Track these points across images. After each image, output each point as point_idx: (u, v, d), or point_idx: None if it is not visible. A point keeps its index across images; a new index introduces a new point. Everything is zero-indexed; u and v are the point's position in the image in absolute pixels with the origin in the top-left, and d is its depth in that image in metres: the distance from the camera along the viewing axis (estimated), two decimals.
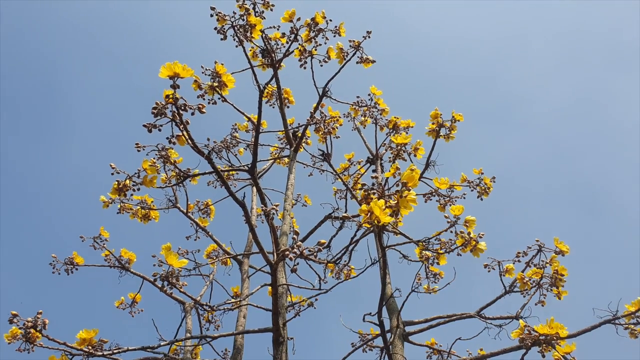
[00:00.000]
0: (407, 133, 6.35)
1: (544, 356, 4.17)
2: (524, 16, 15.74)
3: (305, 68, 5.30)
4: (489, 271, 5.13)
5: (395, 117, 6.42)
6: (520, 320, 4.13)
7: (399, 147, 5.75)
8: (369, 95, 6.15)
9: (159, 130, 3.89)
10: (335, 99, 5.69)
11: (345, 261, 6.62)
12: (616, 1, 14.84)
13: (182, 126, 3.67)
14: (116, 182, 4.98)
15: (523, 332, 4.12)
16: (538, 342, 4.14)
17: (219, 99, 4.88)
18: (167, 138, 4.04)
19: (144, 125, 3.83)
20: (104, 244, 5.93)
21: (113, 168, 4.92)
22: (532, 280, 5.09)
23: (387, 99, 6.44)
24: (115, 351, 4.22)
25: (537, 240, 5.07)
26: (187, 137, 3.67)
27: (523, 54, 16.16)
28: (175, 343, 5.35)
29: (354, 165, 6.93)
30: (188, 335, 5.49)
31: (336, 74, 5.43)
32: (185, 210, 6.07)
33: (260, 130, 6.15)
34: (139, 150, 4.68)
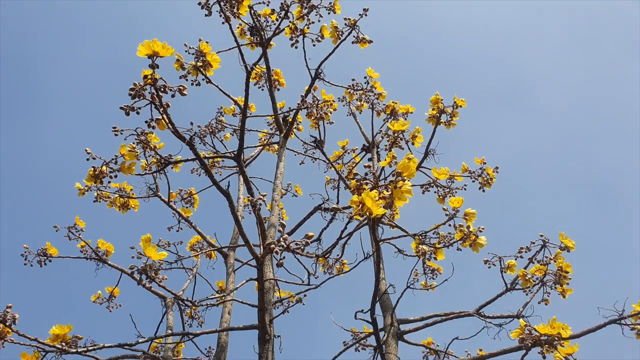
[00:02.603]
0: (405, 119, 6.35)
1: (544, 357, 4.22)
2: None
3: (296, 48, 5.28)
4: (489, 267, 5.17)
5: (393, 102, 6.41)
6: (521, 320, 4.17)
7: (396, 135, 5.76)
8: (365, 78, 6.14)
9: (138, 113, 3.87)
10: (328, 82, 5.68)
11: (337, 255, 6.66)
12: None
13: (161, 109, 3.66)
14: (92, 169, 4.96)
15: (523, 332, 4.17)
16: (539, 342, 4.19)
17: (203, 80, 4.87)
18: (146, 122, 4.03)
19: (121, 108, 3.80)
20: (79, 235, 5.93)
21: (89, 153, 4.89)
22: (535, 277, 5.13)
23: (387, 83, 6.42)
24: (90, 348, 4.24)
25: (541, 235, 5.11)
26: (167, 120, 3.66)
27: (535, 37, 16.13)
28: (155, 340, 5.38)
29: (348, 153, 6.94)
30: (169, 332, 5.51)
31: (330, 54, 5.42)
32: (166, 200, 6.07)
33: (248, 114, 6.13)
34: (116, 135, 4.67)
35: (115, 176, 4.92)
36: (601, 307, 4.73)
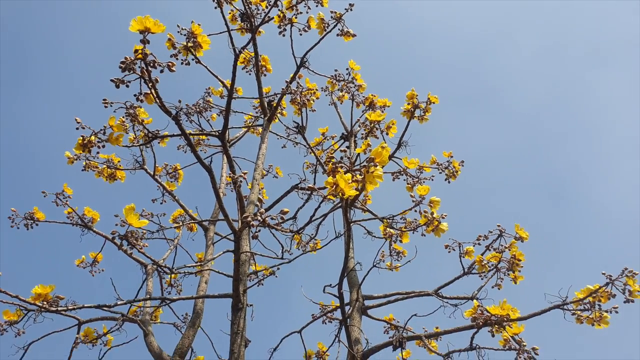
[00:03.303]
0: (382, 112, 6.35)
1: (493, 336, 4.31)
2: (512, 7, 15.79)
3: (284, 36, 5.21)
4: (449, 252, 5.23)
5: (372, 95, 6.40)
6: (475, 301, 4.24)
7: (372, 125, 5.75)
8: (347, 69, 6.11)
9: (127, 86, 3.79)
10: (313, 71, 5.63)
11: (312, 234, 6.66)
12: (600, 1, 15.01)
13: (150, 84, 3.59)
14: (81, 138, 4.85)
15: (476, 312, 4.24)
16: (489, 322, 4.27)
17: (192, 60, 4.78)
18: (135, 95, 3.96)
19: (112, 80, 3.72)
20: (66, 201, 5.81)
21: (78, 123, 4.78)
22: (491, 263, 5.21)
23: (367, 77, 6.41)
24: (70, 308, 4.17)
25: (499, 226, 5.18)
26: (155, 95, 3.59)
27: (507, 44, 16.27)
28: (133, 303, 5.33)
29: (328, 140, 6.92)
30: (147, 297, 5.46)
31: (316, 44, 5.37)
32: (152, 173, 5.97)
33: (234, 96, 6.06)
34: (106, 106, 4.59)
35: (103, 146, 4.82)
36: (547, 293, 4.85)
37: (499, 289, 5.37)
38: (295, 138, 6.97)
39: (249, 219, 3.00)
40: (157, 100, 3.62)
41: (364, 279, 4.99)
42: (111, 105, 4.58)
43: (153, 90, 3.60)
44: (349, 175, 3.42)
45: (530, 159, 15.53)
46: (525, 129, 15.71)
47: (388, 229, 5.32)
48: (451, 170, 5.70)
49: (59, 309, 4.11)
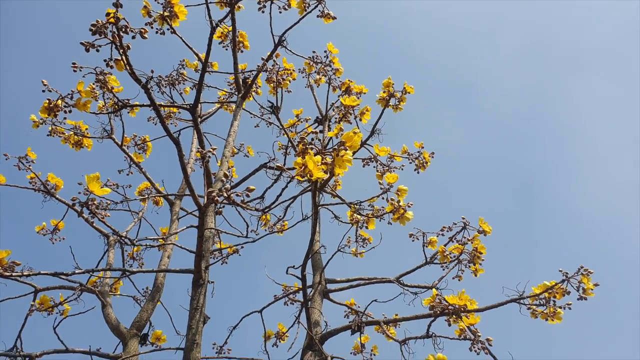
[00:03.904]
0: (358, 98, 6.35)
1: (450, 325, 4.40)
2: (496, 4, 15.92)
3: (263, 12, 5.14)
4: (413, 241, 5.31)
5: (349, 81, 6.38)
6: (434, 289, 4.31)
7: (346, 109, 5.75)
8: (325, 52, 6.07)
9: (97, 50, 3.70)
10: (291, 50, 5.58)
11: (280, 216, 6.67)
12: (581, 5, 15.27)
13: (121, 50, 3.50)
14: (47, 101, 4.71)
15: (434, 301, 4.32)
16: (447, 311, 4.36)
17: (168, 29, 4.68)
18: (105, 60, 3.87)
19: (82, 43, 3.62)
20: (29, 166, 5.66)
21: (45, 85, 4.64)
22: (453, 254, 5.32)
23: (346, 64, 6.39)
24: (26, 274, 4.09)
25: (463, 218, 5.28)
26: (125, 61, 3.50)
27: (488, 41, 16.43)
28: (93, 274, 5.25)
29: (302, 122, 6.89)
30: (107, 267, 5.39)
31: (295, 24, 5.30)
32: (120, 143, 5.86)
33: (209, 70, 5.97)
34: (75, 71, 4.47)
35: (70, 111, 4.70)
36: (506, 287, 4.98)
37: (459, 280, 5.49)
38: (269, 118, 6.93)
39: (214, 194, 2.97)
40: (127, 67, 3.54)
41: (327, 262, 5.03)
42: (80, 70, 4.46)
43: (124, 57, 3.52)
44: (318, 157, 3.42)
45: (501, 157, 15.84)
46: (498, 128, 15.98)
47: (355, 214, 5.36)
48: (421, 161, 5.75)
49: (14, 274, 4.03)
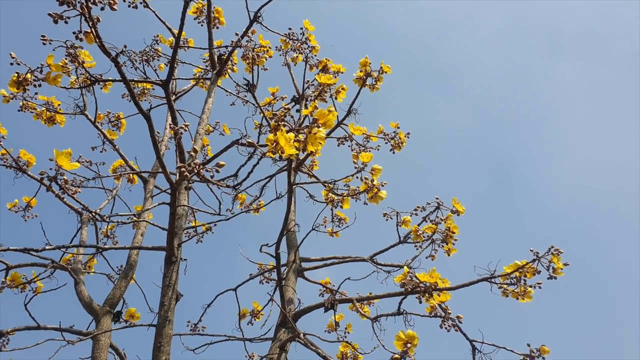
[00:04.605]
0: (335, 77, 6.33)
1: (420, 302, 4.49)
2: None
3: None
4: (387, 220, 5.38)
5: (326, 59, 6.36)
6: (405, 267, 4.38)
7: (322, 87, 5.74)
8: (302, 29, 6.02)
9: (66, 22, 3.64)
10: (266, 27, 5.53)
11: (256, 195, 6.68)
12: None
13: (90, 22, 3.44)
14: (16, 74, 4.62)
15: (405, 278, 4.40)
16: (418, 289, 4.44)
17: (141, 3, 4.61)
18: (74, 33, 3.81)
19: (50, 15, 3.56)
20: (0, 142, 5.56)
21: (13, 58, 4.54)
22: (426, 234, 5.39)
23: (323, 44, 6.36)
24: None
25: (437, 198, 5.35)
26: (95, 34, 3.44)
27: (468, 22, 16.47)
28: (66, 252, 5.22)
29: (278, 100, 6.87)
30: (80, 245, 5.36)
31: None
32: (93, 119, 5.77)
33: (183, 46, 5.90)
34: (44, 44, 4.38)
35: (40, 85, 4.62)
36: (477, 266, 5.08)
37: (432, 259, 5.56)
38: (245, 96, 6.88)
39: (183, 169, 2.97)
40: (97, 40, 3.48)
41: (302, 241, 5.08)
42: (50, 43, 4.38)
43: (93, 29, 3.46)
44: (291, 134, 3.43)
45: (477, 139, 16.03)
46: (476, 109, 16.13)
47: (330, 194, 5.40)
48: (397, 141, 5.79)
49: None
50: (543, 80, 15.71)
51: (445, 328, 4.42)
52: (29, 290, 5.25)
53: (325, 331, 6.00)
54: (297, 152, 3.48)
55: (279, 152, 3.38)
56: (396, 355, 4.09)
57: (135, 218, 5.08)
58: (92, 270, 6.22)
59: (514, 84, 15.91)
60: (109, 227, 6.37)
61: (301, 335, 4.51)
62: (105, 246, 4.45)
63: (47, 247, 3.99)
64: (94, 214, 4.05)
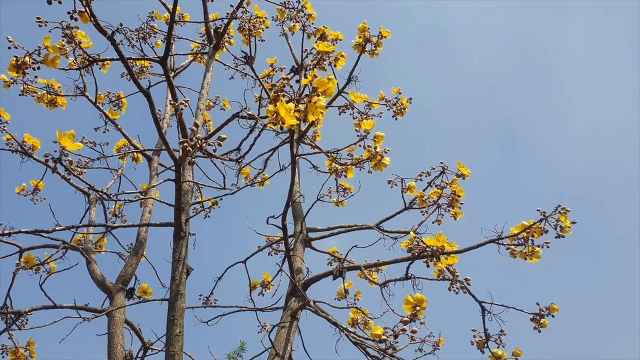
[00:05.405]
0: (334, 44, 6.29)
1: (428, 266, 4.55)
2: None
3: None
4: (391, 187, 5.42)
5: (324, 27, 6.31)
6: (411, 232, 4.43)
7: (320, 55, 5.71)
8: None
9: (60, 2, 3.64)
10: None
11: (260, 169, 6.72)
12: None
13: (84, 1, 3.44)
14: (14, 58, 4.64)
15: (412, 243, 4.45)
16: (425, 253, 4.50)
17: None
18: (69, 12, 3.81)
19: None
20: (4, 127, 5.62)
21: (10, 42, 4.55)
22: (432, 199, 5.43)
23: (320, 11, 6.28)
24: (6, 233, 4.15)
25: (442, 162, 5.36)
26: (89, 13, 3.44)
27: None
28: (76, 232, 5.32)
29: (277, 72, 6.84)
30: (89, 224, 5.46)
31: None
32: (93, 100, 5.80)
33: (178, 21, 5.86)
34: (40, 26, 4.41)
35: (38, 68, 4.64)
36: (484, 228, 5.11)
37: (439, 224, 5.59)
38: (244, 69, 6.86)
39: (185, 144, 3.01)
40: (92, 19, 3.48)
41: (308, 211, 5.13)
42: (46, 25, 4.40)
43: (87, 8, 3.46)
44: (291, 104, 3.44)
45: (482, 104, 15.92)
46: (479, 75, 15.97)
47: (333, 163, 5.43)
48: (399, 107, 5.78)
49: None
50: (547, 40, 15.47)
51: (454, 290, 4.48)
52: (43, 271, 5.38)
53: (335, 299, 6.12)
54: (298, 122, 3.50)
55: (280, 123, 3.40)
56: (405, 318, 4.19)
57: (142, 196, 5.15)
58: (103, 250, 6.35)
59: (517, 45, 15.69)
60: (117, 206, 6.46)
61: (311, 303, 4.61)
62: (115, 224, 4.53)
63: (57, 228, 4.08)
64: (101, 193, 4.12)
